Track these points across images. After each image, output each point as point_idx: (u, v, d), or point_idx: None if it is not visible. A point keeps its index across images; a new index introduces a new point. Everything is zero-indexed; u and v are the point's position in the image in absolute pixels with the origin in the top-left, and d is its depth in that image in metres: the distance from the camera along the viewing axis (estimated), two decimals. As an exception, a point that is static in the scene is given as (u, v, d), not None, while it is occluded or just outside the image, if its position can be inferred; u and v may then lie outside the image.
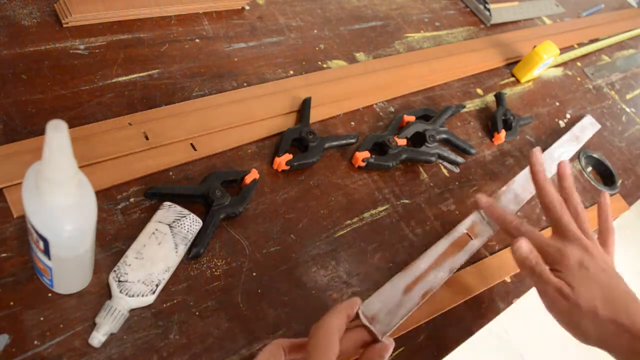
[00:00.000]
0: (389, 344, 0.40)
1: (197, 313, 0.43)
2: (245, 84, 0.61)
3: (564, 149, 0.74)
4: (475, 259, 0.58)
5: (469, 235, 0.56)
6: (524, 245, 0.47)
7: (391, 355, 0.47)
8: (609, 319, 0.43)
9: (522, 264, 0.48)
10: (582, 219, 0.52)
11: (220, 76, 0.60)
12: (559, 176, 0.56)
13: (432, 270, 0.51)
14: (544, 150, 0.72)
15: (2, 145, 0.45)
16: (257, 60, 0.65)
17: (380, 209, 0.57)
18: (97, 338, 0.38)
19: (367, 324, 0.41)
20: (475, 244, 0.56)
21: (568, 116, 0.84)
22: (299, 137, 0.57)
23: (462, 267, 0.56)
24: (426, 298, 0.48)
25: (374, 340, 0.41)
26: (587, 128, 0.81)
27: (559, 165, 0.57)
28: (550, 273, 0.46)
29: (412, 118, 0.66)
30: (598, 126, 0.82)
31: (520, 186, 0.64)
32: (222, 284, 0.45)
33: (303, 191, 0.55)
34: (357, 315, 0.41)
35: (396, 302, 0.46)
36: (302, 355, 0.37)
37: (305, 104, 0.60)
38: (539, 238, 0.49)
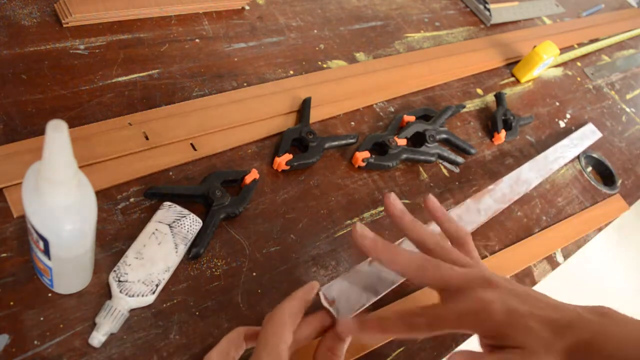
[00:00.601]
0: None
1: (197, 313, 0.43)
2: (245, 84, 0.61)
3: (562, 153, 0.73)
4: (475, 259, 0.58)
5: None
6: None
7: (391, 355, 0.47)
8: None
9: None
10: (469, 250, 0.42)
11: (220, 76, 0.60)
12: (431, 213, 0.44)
13: None
14: (541, 152, 0.72)
15: (2, 145, 0.45)
16: (257, 60, 0.65)
17: (380, 209, 0.57)
18: (97, 338, 0.38)
19: (326, 305, 0.40)
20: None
21: (568, 116, 0.84)
22: (299, 137, 0.57)
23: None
24: (394, 286, 0.45)
25: (335, 323, 0.40)
26: (587, 136, 0.80)
27: (426, 202, 0.45)
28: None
29: (412, 118, 0.66)
30: (599, 134, 0.81)
31: (508, 186, 0.63)
32: (222, 284, 0.45)
33: (303, 191, 0.55)
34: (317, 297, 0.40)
35: (363, 286, 0.43)
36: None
37: (305, 104, 0.60)
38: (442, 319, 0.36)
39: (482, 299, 0.35)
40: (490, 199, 0.61)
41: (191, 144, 0.52)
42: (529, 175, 0.66)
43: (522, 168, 0.67)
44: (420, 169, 0.64)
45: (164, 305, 0.42)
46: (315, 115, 0.61)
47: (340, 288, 0.42)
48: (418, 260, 0.38)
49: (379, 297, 0.44)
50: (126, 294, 0.40)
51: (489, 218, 0.59)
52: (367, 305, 0.43)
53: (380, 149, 0.62)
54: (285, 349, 0.35)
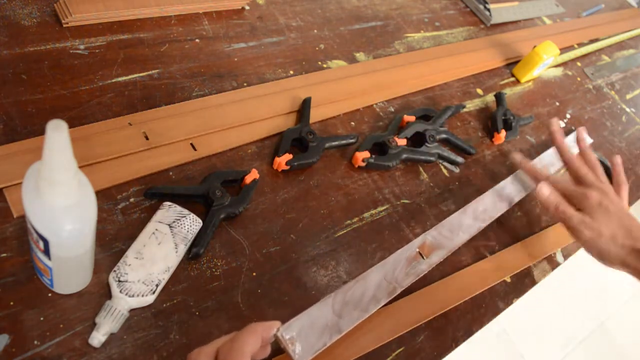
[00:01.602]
0: None
1: (197, 313, 0.43)
2: (245, 84, 0.61)
3: (549, 161, 0.72)
4: (474, 259, 0.58)
5: (421, 255, 0.52)
6: (544, 188, 0.56)
7: (391, 355, 0.47)
8: (629, 246, 0.51)
9: (545, 205, 0.57)
10: (599, 171, 0.61)
11: (220, 76, 0.60)
12: (577, 139, 0.67)
13: (370, 294, 0.47)
14: (541, 152, 0.72)
15: (2, 145, 0.45)
16: (257, 60, 0.65)
17: (380, 209, 0.57)
18: (97, 338, 0.38)
19: (285, 346, 0.38)
20: (423, 266, 0.52)
21: (568, 116, 0.84)
22: (299, 137, 0.57)
23: (462, 267, 0.56)
24: (359, 322, 0.44)
25: None
26: (579, 140, 0.78)
27: (577, 131, 0.68)
28: (572, 209, 0.55)
29: (412, 118, 0.66)
30: (590, 140, 0.81)
31: (491, 203, 0.61)
32: (222, 284, 0.45)
33: (303, 191, 0.55)
34: (275, 338, 0.37)
35: (324, 324, 0.41)
36: None
37: (305, 104, 0.60)
38: (564, 185, 0.58)
39: (591, 193, 0.55)
40: (469, 218, 0.58)
41: (191, 144, 0.52)
42: (511, 190, 0.63)
43: (505, 182, 0.64)
44: (420, 169, 0.64)
45: (164, 305, 0.42)
46: (315, 115, 0.61)
47: (301, 327, 0.40)
48: (576, 158, 0.62)
49: (342, 334, 0.42)
50: (126, 294, 0.40)
51: (471, 236, 0.57)
52: (328, 345, 0.40)
53: (380, 149, 0.62)
54: None
